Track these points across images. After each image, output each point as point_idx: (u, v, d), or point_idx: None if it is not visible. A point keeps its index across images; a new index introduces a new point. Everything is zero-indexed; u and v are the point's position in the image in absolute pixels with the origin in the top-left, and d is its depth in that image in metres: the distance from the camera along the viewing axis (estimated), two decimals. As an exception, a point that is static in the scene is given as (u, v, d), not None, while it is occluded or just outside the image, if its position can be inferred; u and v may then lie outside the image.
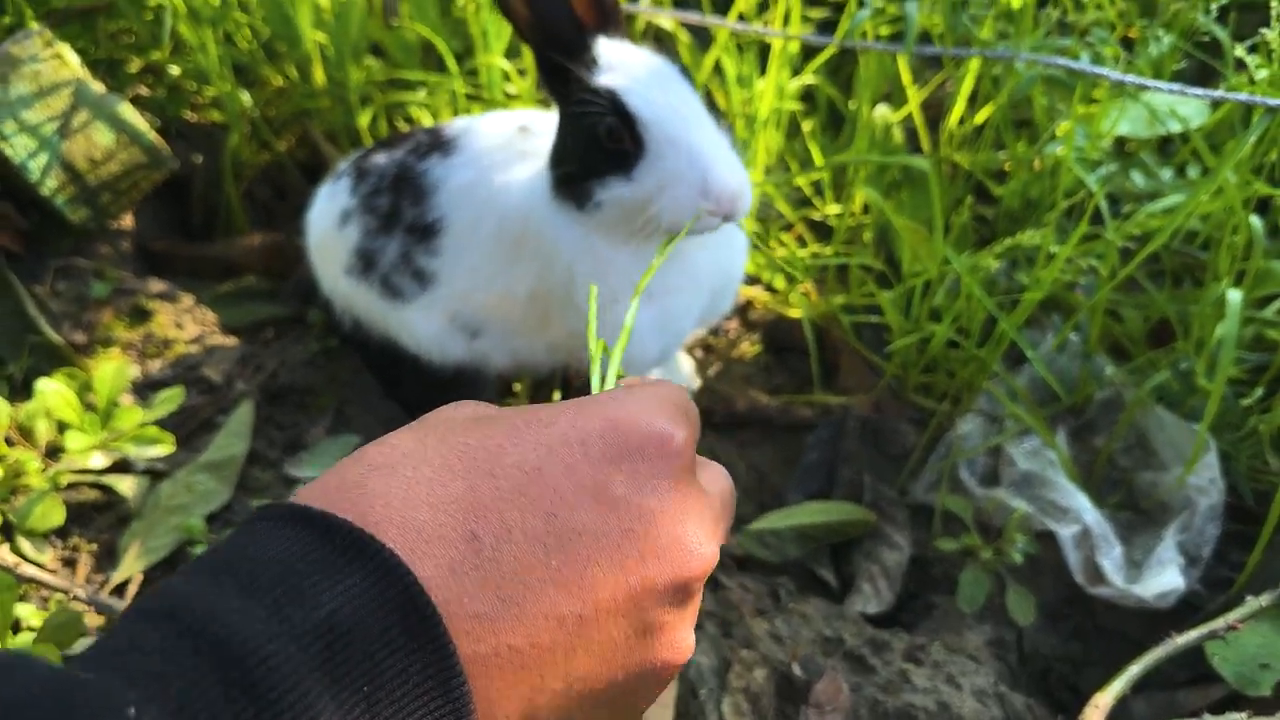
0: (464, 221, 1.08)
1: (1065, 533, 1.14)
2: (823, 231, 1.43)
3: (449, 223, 1.08)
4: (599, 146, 0.91)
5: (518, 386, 1.36)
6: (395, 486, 0.50)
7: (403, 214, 1.10)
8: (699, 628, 1.05)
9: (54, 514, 1.08)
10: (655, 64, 0.93)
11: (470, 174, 1.07)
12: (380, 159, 1.13)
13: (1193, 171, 1.22)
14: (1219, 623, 0.97)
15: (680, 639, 0.56)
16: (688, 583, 0.55)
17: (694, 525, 0.56)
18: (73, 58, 1.39)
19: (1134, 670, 0.91)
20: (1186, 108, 1.19)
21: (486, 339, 1.15)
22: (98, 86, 1.41)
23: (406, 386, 1.26)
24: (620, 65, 0.91)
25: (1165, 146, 1.32)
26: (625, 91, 0.89)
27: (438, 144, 1.11)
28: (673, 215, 0.90)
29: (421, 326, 1.15)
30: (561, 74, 0.93)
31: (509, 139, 1.08)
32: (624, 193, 0.92)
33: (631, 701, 0.56)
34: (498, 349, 1.17)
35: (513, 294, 1.08)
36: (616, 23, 0.96)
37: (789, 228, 1.39)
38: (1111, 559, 1.13)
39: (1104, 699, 0.86)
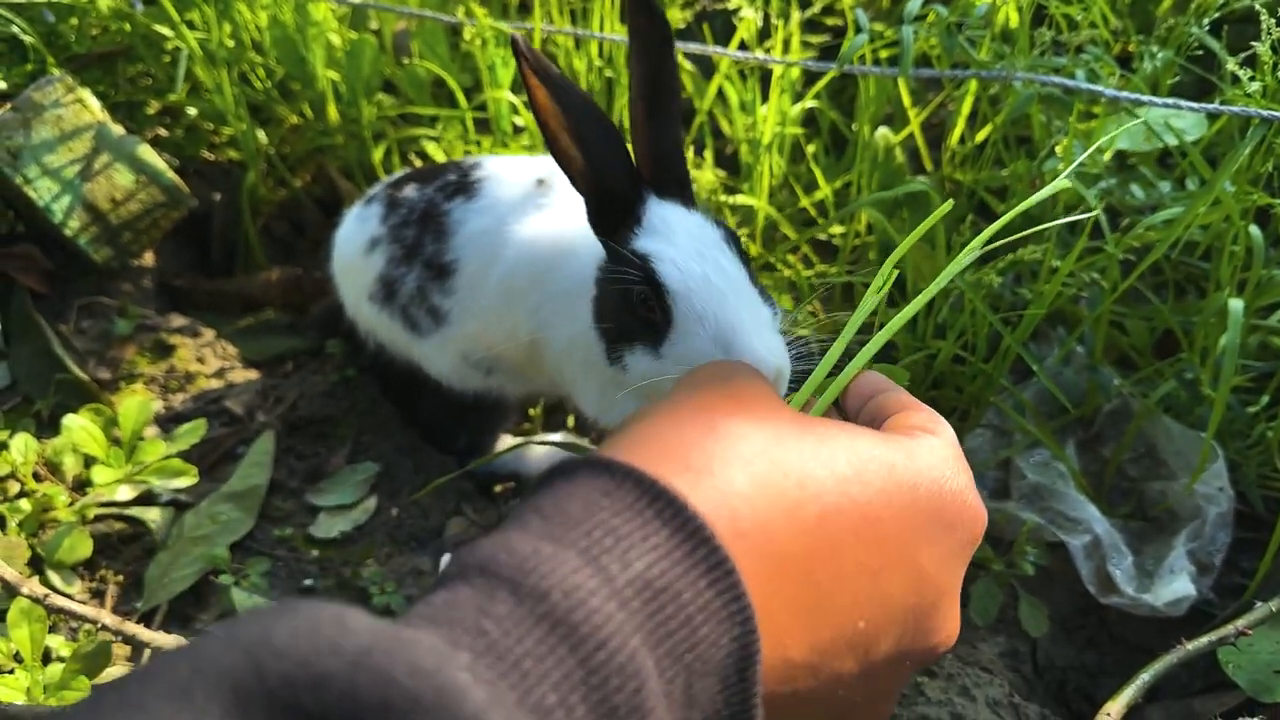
0: (475, 266, 1.10)
1: (1076, 543, 1.15)
2: (828, 251, 1.45)
3: (462, 265, 1.11)
4: (632, 312, 0.84)
5: (533, 411, 1.39)
6: (720, 485, 0.49)
7: (424, 248, 1.13)
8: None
9: (82, 546, 1.11)
10: (699, 230, 0.86)
11: (486, 221, 1.09)
12: (412, 192, 1.16)
13: (1191, 184, 1.23)
14: (1230, 628, 0.97)
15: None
16: (939, 656, 0.59)
17: (956, 601, 0.59)
18: (93, 102, 1.43)
19: (1145, 677, 0.92)
20: (1183, 121, 1.21)
21: (499, 376, 1.19)
22: (118, 129, 1.45)
23: (427, 410, 1.29)
24: (662, 229, 0.85)
25: (1164, 160, 1.34)
26: (658, 258, 0.82)
27: (463, 186, 1.13)
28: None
29: (438, 362, 1.18)
30: (607, 228, 0.88)
31: (526, 190, 1.09)
32: (649, 368, 0.85)
33: None
34: (511, 383, 1.20)
35: (518, 340, 1.08)
36: (678, 184, 0.89)
37: (795, 249, 1.41)
38: (1123, 568, 1.14)
39: (1115, 707, 0.87)
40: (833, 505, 0.51)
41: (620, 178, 0.86)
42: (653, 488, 0.45)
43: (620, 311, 0.86)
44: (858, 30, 1.13)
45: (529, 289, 1.04)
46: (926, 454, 0.57)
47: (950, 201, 0.71)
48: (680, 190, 0.90)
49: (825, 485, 0.51)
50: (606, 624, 0.41)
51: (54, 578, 1.10)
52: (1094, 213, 1.08)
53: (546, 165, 1.11)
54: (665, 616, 0.43)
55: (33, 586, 0.96)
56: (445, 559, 1.12)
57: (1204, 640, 0.96)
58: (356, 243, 1.20)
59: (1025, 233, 0.79)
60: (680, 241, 0.83)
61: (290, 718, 0.35)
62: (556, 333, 1.02)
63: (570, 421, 1.36)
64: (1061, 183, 0.73)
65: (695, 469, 0.49)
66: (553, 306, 1.02)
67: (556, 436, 1.31)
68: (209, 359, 1.40)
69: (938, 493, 0.56)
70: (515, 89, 1.46)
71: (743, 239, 1.41)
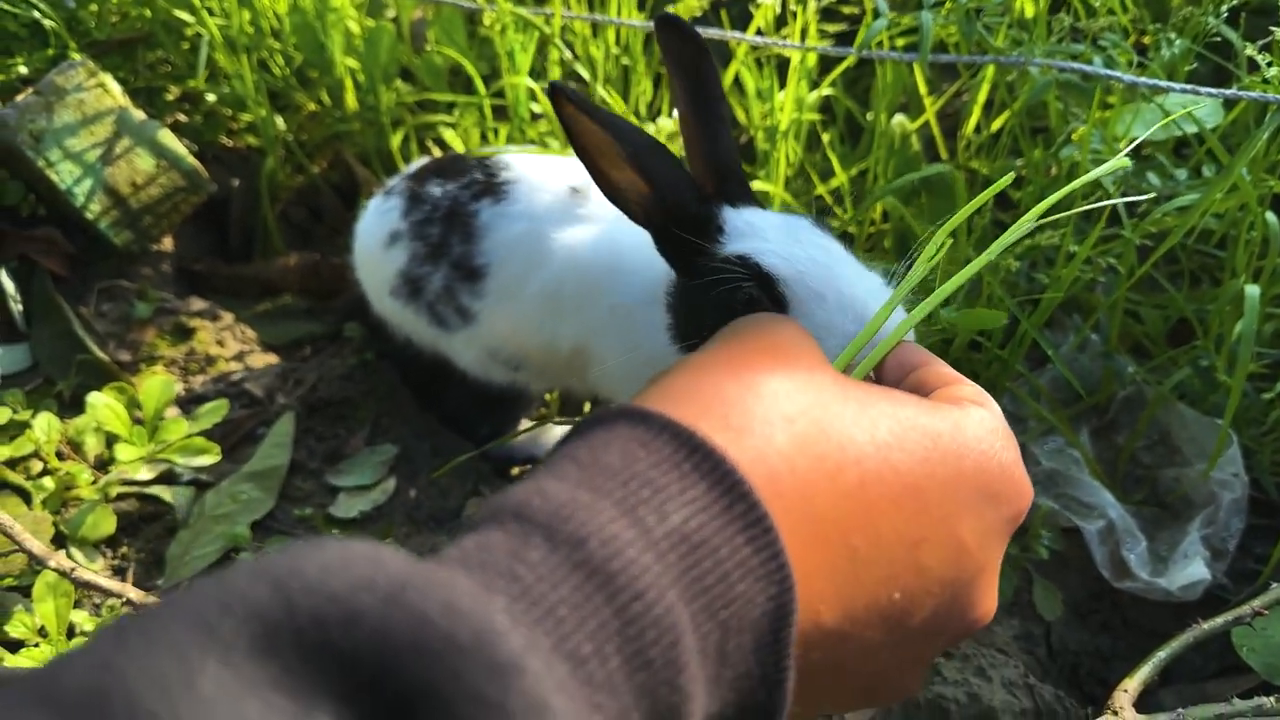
0: (512, 273, 1.10)
1: (1090, 528, 1.16)
2: (844, 239, 1.46)
3: (495, 270, 1.11)
4: (738, 303, 0.82)
5: (549, 396, 1.39)
6: (758, 442, 0.48)
7: (451, 249, 1.13)
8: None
9: (105, 523, 1.12)
10: (784, 220, 0.87)
11: (521, 228, 1.09)
12: (435, 189, 1.16)
13: (1208, 172, 1.24)
14: (1246, 609, 0.98)
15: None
16: (974, 631, 0.58)
17: (994, 577, 0.58)
18: (115, 87, 1.45)
19: (1162, 655, 0.93)
20: (1200, 110, 1.21)
21: (526, 373, 1.20)
22: (139, 114, 1.46)
23: (453, 400, 1.29)
24: (749, 229, 0.85)
25: (1180, 149, 1.34)
26: (759, 254, 0.82)
27: (490, 187, 1.13)
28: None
29: (464, 355, 1.19)
30: (683, 248, 0.87)
31: (562, 199, 1.09)
32: None
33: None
34: (536, 379, 1.22)
35: (556, 348, 1.10)
36: (738, 185, 0.90)
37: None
38: (1137, 553, 1.15)
39: (1132, 684, 0.88)
40: (873, 472, 0.50)
41: (689, 198, 0.86)
42: (691, 440, 0.45)
43: (723, 320, 0.77)
44: (876, 15, 1.13)
45: (579, 303, 1.05)
46: (974, 425, 0.56)
47: (1011, 175, 0.70)
48: (747, 194, 0.90)
49: (866, 451, 0.50)
50: (643, 575, 0.40)
51: (77, 554, 1.11)
52: (1112, 198, 1.09)
53: (576, 170, 1.10)
54: (702, 571, 0.42)
55: (60, 560, 0.97)
56: (464, 539, 1.13)
57: (1219, 620, 0.96)
58: (377, 236, 1.21)
59: (1053, 217, 0.79)
60: (772, 235, 0.84)
61: (320, 655, 0.34)
62: (607, 348, 1.04)
63: (586, 407, 1.37)
64: (1121, 161, 0.71)
65: (734, 427, 0.48)
66: (605, 322, 1.03)
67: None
68: (228, 342, 1.41)
69: (984, 466, 0.55)
70: (533, 75, 1.47)
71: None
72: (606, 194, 0.86)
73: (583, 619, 0.38)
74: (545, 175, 1.12)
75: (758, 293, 0.81)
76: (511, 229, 1.10)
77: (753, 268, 0.81)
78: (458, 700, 0.34)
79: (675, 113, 0.88)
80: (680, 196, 0.86)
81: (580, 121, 0.81)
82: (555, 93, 0.80)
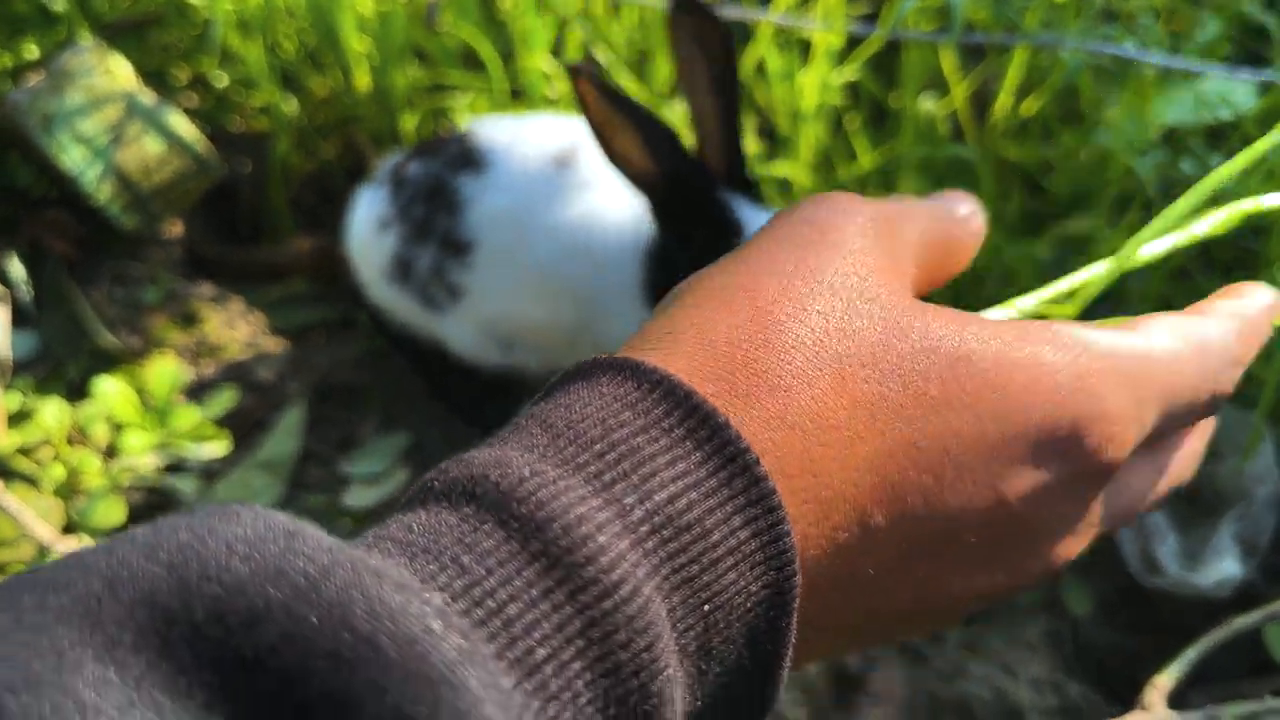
0: (498, 247, 1.10)
1: (1120, 523, 1.13)
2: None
3: (481, 244, 1.11)
4: None
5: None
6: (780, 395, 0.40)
7: (436, 225, 1.13)
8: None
9: (115, 512, 1.10)
10: None
11: (505, 201, 1.09)
12: (416, 169, 1.16)
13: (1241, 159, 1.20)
14: (1278, 606, 0.95)
15: None
16: (1027, 589, 0.48)
17: (1052, 540, 0.47)
18: (125, 69, 1.42)
19: (1192, 654, 0.91)
20: (1236, 95, 1.18)
21: (521, 352, 1.19)
22: (148, 97, 1.44)
23: (452, 386, 1.28)
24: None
25: (1213, 134, 1.31)
26: None
27: (468, 159, 1.13)
28: None
29: (457, 336, 1.18)
30: (687, 226, 0.91)
31: (545, 171, 1.08)
32: None
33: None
34: (533, 358, 1.20)
35: (557, 324, 1.11)
36: (751, 185, 0.93)
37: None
38: (1167, 549, 1.12)
39: (1164, 680, 0.86)
40: (903, 440, 0.42)
41: (700, 185, 0.89)
42: (689, 400, 0.37)
43: None
44: (904, -4, 1.10)
45: (584, 281, 1.05)
46: (1067, 360, 0.44)
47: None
48: (755, 191, 0.93)
49: (905, 414, 0.42)
50: (615, 567, 0.33)
51: (87, 543, 1.10)
52: (1147, 187, 1.06)
53: (552, 136, 1.11)
54: (688, 559, 0.35)
55: (67, 545, 0.95)
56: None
57: (1253, 616, 0.94)
58: (368, 224, 1.21)
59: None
60: None
61: (219, 658, 0.28)
62: (611, 321, 1.05)
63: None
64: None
65: (757, 375, 0.40)
66: (611, 297, 1.04)
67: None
68: (239, 328, 1.39)
69: (1051, 416, 0.43)
70: (551, 57, 1.44)
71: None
72: (614, 166, 0.86)
73: (537, 619, 0.32)
74: (526, 144, 1.11)
75: None
76: (494, 202, 1.10)
77: None
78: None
79: (687, 99, 0.88)
80: (692, 182, 0.87)
81: (597, 102, 0.81)
82: (574, 73, 0.81)
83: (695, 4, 0.84)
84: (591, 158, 1.05)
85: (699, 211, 0.89)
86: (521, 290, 1.11)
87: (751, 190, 0.94)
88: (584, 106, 0.82)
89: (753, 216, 0.91)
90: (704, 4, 0.85)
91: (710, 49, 0.85)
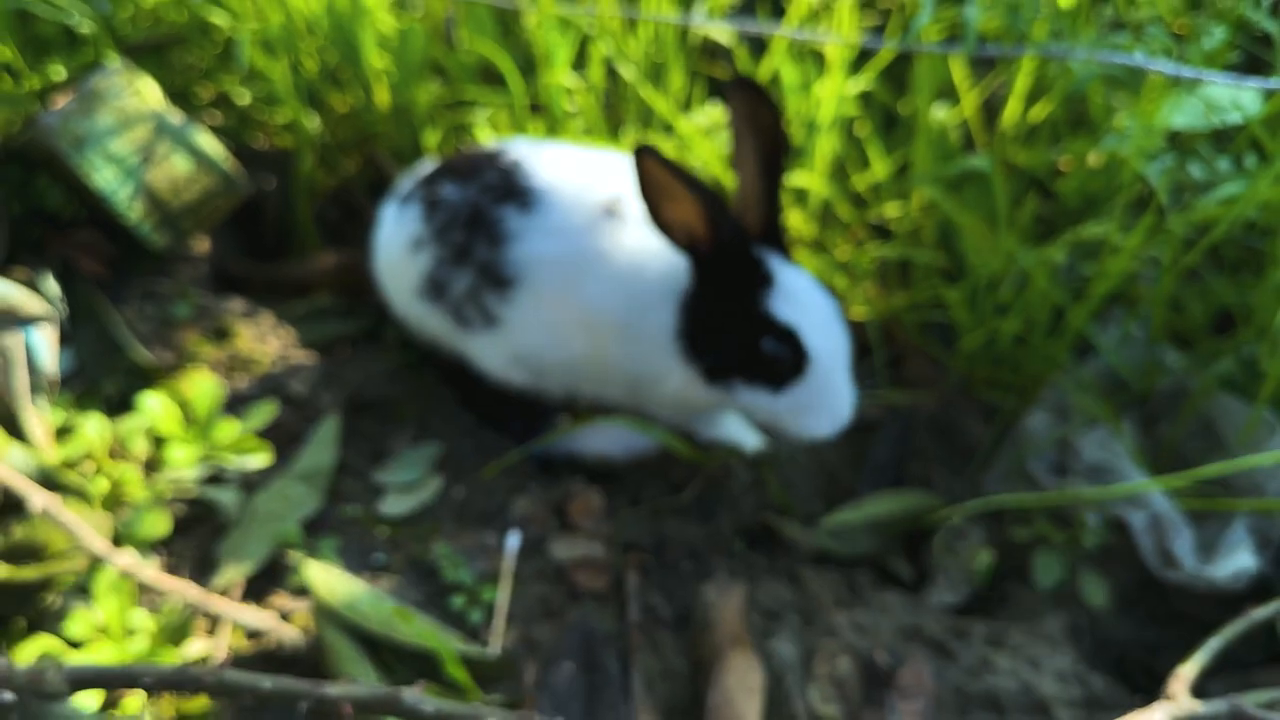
0: (546, 289, 1.14)
1: (1136, 519, 1.16)
2: (880, 234, 1.46)
3: (527, 284, 1.14)
4: (758, 360, 1.03)
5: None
6: None
7: (476, 253, 1.16)
8: (777, 617, 1.08)
9: (161, 524, 1.13)
10: (823, 302, 1.04)
11: (555, 247, 1.13)
12: (451, 193, 1.18)
13: (1249, 162, 1.23)
14: (1296, 599, 0.98)
15: None
16: None
17: None
18: (152, 90, 1.45)
19: (1214, 643, 0.94)
20: (1243, 98, 1.21)
21: (549, 379, 1.22)
22: (176, 117, 1.47)
23: (480, 397, 1.31)
24: (794, 295, 1.03)
25: (1221, 138, 1.34)
26: (805, 330, 1.01)
27: (512, 191, 1.15)
28: (800, 433, 1.05)
29: (486, 356, 1.21)
30: (728, 280, 1.03)
31: (596, 219, 1.12)
32: (763, 403, 1.05)
33: None
34: (557, 386, 1.24)
35: (593, 359, 1.16)
36: (783, 242, 1.05)
37: (847, 229, 1.42)
38: (1183, 542, 1.15)
39: (1187, 670, 0.89)
40: None
41: (740, 244, 1.01)
42: None
43: (744, 356, 1.04)
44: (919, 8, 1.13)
45: (626, 322, 1.11)
46: None
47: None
48: (786, 247, 1.05)
49: None
50: None
51: (133, 555, 1.13)
52: (1159, 193, 1.09)
53: (600, 182, 1.15)
54: None
55: (125, 558, 0.98)
56: (513, 535, 1.14)
57: (1273, 606, 0.97)
58: (399, 242, 1.24)
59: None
60: (814, 315, 1.02)
61: None
62: (648, 359, 1.12)
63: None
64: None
65: None
66: (648, 336, 1.11)
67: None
68: (270, 342, 1.42)
69: None
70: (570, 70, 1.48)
71: (797, 220, 1.42)
72: (659, 227, 1.00)
73: None
74: (576, 188, 1.14)
75: (787, 356, 1.01)
76: (544, 247, 1.13)
77: (796, 342, 1.01)
78: None
79: (735, 160, 1.01)
80: (734, 244, 1.01)
81: (662, 177, 0.95)
82: (641, 154, 0.94)
83: (751, 83, 0.94)
84: (634, 207, 1.12)
85: (736, 267, 1.01)
86: (565, 329, 1.14)
87: (781, 244, 1.04)
88: (646, 180, 0.95)
89: (781, 270, 1.03)
90: (759, 84, 0.95)
91: (762, 124, 0.97)
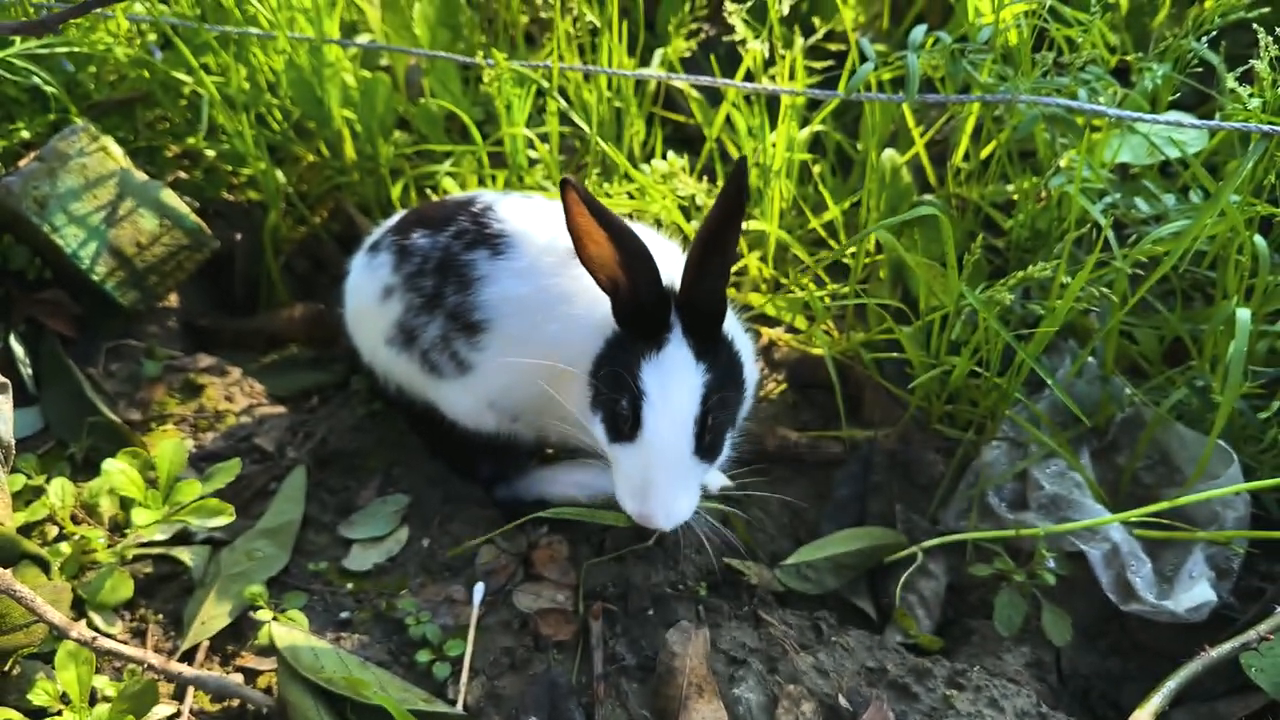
0: (516, 333, 1.14)
1: (1095, 552, 1.17)
2: (839, 271, 1.48)
3: (497, 326, 1.15)
4: (614, 410, 1.04)
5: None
6: None
7: (445, 299, 1.16)
8: (741, 663, 1.08)
9: (123, 587, 1.13)
10: (689, 393, 1.02)
11: (525, 289, 1.14)
12: (422, 240, 1.19)
13: (1195, 194, 1.25)
14: (1252, 634, 0.99)
15: None
16: None
17: None
18: (116, 149, 1.47)
19: (1171, 685, 0.94)
20: (1185, 134, 1.23)
21: (520, 422, 1.23)
22: (141, 175, 1.48)
23: (450, 445, 1.31)
24: (665, 372, 1.02)
25: (1166, 170, 1.36)
26: (649, 405, 1.01)
27: (483, 237, 1.16)
28: (618, 498, 1.05)
29: (455, 403, 1.22)
30: (637, 324, 1.04)
31: (564, 262, 1.13)
32: (603, 443, 1.06)
33: None
34: (529, 428, 1.24)
35: (567, 413, 1.15)
36: (707, 316, 1.04)
37: (806, 269, 1.44)
38: (1142, 575, 1.16)
39: (1144, 715, 0.89)
40: None
41: (657, 297, 1.02)
42: None
43: (608, 399, 1.05)
44: (863, 59, 1.15)
45: (576, 366, 1.11)
46: None
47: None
48: (708, 323, 1.05)
49: None
50: None
51: (96, 619, 1.13)
52: (1105, 229, 1.11)
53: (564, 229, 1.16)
54: None
55: (81, 630, 0.98)
56: (478, 588, 1.14)
57: (1227, 646, 0.98)
58: (369, 291, 1.24)
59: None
60: (672, 399, 1.02)
61: None
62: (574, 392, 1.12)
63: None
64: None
65: None
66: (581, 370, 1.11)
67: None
68: (237, 397, 1.43)
69: None
70: (529, 125, 1.49)
71: (754, 264, 1.44)
72: (585, 264, 1.02)
73: None
74: (545, 234, 1.15)
75: (631, 418, 1.02)
76: (514, 289, 1.13)
77: (639, 412, 1.02)
78: None
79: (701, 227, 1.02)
80: (647, 298, 1.02)
81: (581, 216, 0.97)
82: (565, 186, 0.95)
83: (743, 175, 0.96)
84: None
85: (647, 323, 1.03)
86: (529, 369, 1.13)
87: (706, 322, 1.04)
88: (569, 215, 0.95)
89: (676, 347, 1.03)
90: (746, 179, 0.97)
91: (730, 211, 0.97)
